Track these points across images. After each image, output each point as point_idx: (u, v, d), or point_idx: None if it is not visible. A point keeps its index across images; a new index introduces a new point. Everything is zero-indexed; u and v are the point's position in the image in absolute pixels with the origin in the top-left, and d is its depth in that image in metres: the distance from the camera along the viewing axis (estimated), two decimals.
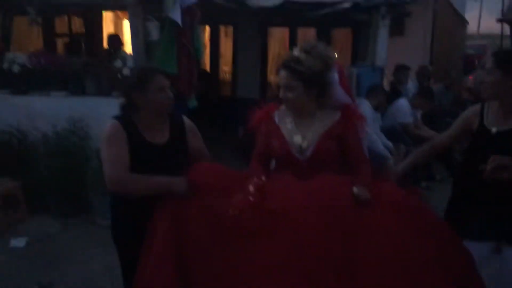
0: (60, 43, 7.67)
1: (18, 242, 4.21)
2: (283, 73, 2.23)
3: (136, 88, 2.26)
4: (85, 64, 5.10)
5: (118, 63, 4.77)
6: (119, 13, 8.51)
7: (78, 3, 5.58)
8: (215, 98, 8.39)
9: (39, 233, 4.31)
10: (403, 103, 5.60)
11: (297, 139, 2.25)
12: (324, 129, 2.25)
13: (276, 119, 2.33)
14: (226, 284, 1.94)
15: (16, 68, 5.09)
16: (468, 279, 2.04)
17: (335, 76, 2.28)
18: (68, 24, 7.97)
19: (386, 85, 6.39)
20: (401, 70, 6.58)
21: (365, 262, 1.90)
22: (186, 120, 2.47)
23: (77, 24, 8.25)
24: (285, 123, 2.30)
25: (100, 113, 4.62)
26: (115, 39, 6.64)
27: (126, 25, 8.78)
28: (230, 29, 8.61)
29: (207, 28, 8.85)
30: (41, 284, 3.45)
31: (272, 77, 8.07)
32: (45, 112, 4.78)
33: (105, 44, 7.21)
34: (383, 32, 5.95)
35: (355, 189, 2.06)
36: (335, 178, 2.14)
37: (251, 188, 2.01)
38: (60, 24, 7.83)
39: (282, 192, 2.05)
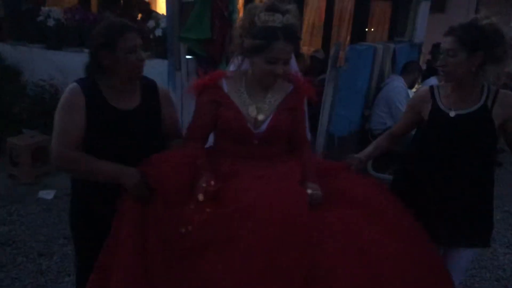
0: (94, 1, 7.65)
1: (46, 195, 4.31)
2: (285, 46, 1.90)
3: (103, 46, 1.94)
4: None
5: (150, 24, 4.72)
6: None
7: None
8: None
9: (67, 187, 4.39)
10: (433, 82, 5.43)
11: (252, 110, 2.01)
12: (279, 100, 2.06)
13: (225, 88, 2.05)
14: None
15: (51, 23, 5.11)
16: (436, 276, 1.88)
17: None
18: None
19: (422, 63, 6.19)
20: (438, 49, 6.35)
21: (329, 260, 1.69)
22: (160, 85, 2.20)
23: None
24: (236, 92, 2.04)
25: None
26: (143, 3, 6.61)
27: None
28: None
29: None
30: (66, 237, 3.53)
31: (305, 48, 7.89)
32: (77, 67, 4.74)
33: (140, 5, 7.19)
34: (423, 8, 5.74)
35: (309, 190, 1.88)
36: (287, 172, 1.93)
37: (200, 197, 1.78)
38: None
39: (235, 196, 1.79)
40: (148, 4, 6.75)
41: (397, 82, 5.15)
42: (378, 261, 1.72)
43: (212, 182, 1.82)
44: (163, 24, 4.62)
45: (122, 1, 7.24)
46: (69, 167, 2.00)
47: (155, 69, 4.44)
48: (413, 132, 2.45)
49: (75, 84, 2.00)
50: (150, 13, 6.15)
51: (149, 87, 2.14)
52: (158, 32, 4.61)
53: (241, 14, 8.20)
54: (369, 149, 2.50)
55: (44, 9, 5.28)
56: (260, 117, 2.01)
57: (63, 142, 1.94)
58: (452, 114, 2.16)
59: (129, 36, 1.95)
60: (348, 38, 7.51)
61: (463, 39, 2.07)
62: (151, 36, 4.66)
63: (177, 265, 1.71)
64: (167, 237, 1.74)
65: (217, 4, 4.41)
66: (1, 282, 3.06)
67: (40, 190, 4.39)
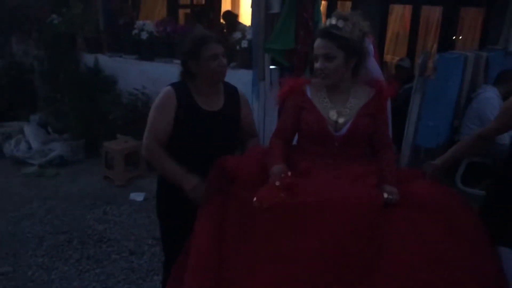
0: (181, 14, 8.04)
1: (137, 196, 4.58)
2: (322, 42, 2.07)
3: (190, 55, 2.26)
4: None
5: (237, 35, 4.87)
6: None
7: None
8: None
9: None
10: None
11: (333, 114, 2.12)
12: (360, 105, 2.13)
13: (308, 93, 2.18)
14: (254, 278, 1.80)
15: (144, 35, 5.45)
16: (495, 286, 1.84)
17: (371, 47, 2.14)
18: None
19: None
20: None
21: (390, 259, 1.76)
22: (240, 91, 2.48)
23: None
24: (318, 97, 2.16)
25: None
26: (229, 15, 6.81)
27: None
28: (348, 4, 8.35)
29: (324, 3, 8.68)
30: (155, 237, 3.72)
31: (389, 57, 7.71)
32: (167, 78, 4.98)
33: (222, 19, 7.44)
34: None
35: (385, 194, 1.92)
36: (365, 174, 2.00)
37: (277, 183, 1.89)
38: None
39: (309, 190, 1.90)
40: (236, 16, 6.95)
41: (490, 93, 4.87)
42: (439, 268, 1.74)
43: (289, 173, 1.96)
44: (249, 35, 4.74)
45: (211, 13, 7.55)
46: (152, 160, 2.32)
47: (240, 79, 4.57)
48: (500, 142, 2.32)
49: (169, 87, 2.31)
50: (236, 24, 6.36)
51: (231, 91, 2.43)
52: (244, 44, 4.74)
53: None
54: (448, 154, 2.35)
55: (139, 22, 5.63)
56: (341, 120, 2.11)
57: (151, 136, 2.28)
58: None
59: (211, 46, 2.23)
60: (435, 46, 7.24)
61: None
62: (237, 48, 4.80)
63: (252, 240, 1.85)
64: (244, 218, 1.91)
65: (303, 14, 4.45)
66: (98, 277, 3.30)
67: (131, 192, 4.67)
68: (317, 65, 2.09)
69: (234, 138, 2.40)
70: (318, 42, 2.08)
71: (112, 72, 5.76)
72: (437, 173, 2.25)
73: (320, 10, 4.93)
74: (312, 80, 2.22)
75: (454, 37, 6.89)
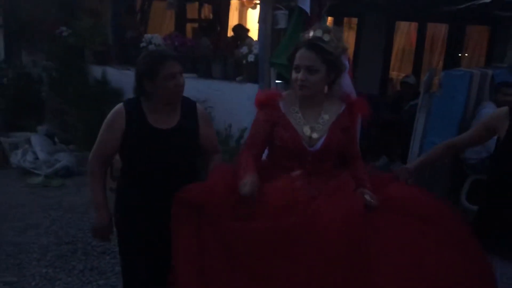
0: (189, 28, 8.13)
1: None
2: (307, 53, 2.04)
3: (146, 73, 2.15)
4: (214, 49, 5.34)
5: (244, 50, 4.92)
6: (245, 1, 8.76)
7: None
8: None
9: None
10: None
11: (307, 130, 2.12)
12: (332, 120, 2.15)
13: (282, 107, 2.16)
14: None
15: (151, 48, 5.51)
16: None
17: (347, 63, 2.14)
18: (198, 10, 8.41)
19: None
20: None
21: (380, 270, 1.79)
22: (199, 107, 2.36)
23: (206, 11, 8.68)
24: (291, 112, 2.15)
25: (224, 96, 4.83)
26: (241, 29, 6.87)
27: (250, 13, 9.04)
28: (354, 21, 8.42)
29: (330, 19, 8.75)
30: None
31: (394, 74, 7.74)
32: None
33: (230, 31, 7.51)
34: None
35: (367, 196, 1.99)
36: (345, 183, 2.03)
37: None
38: (191, 10, 8.28)
39: (292, 211, 1.89)
40: (247, 30, 6.99)
41: (487, 109, 4.87)
42: (431, 274, 1.79)
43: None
44: (255, 50, 4.79)
45: (218, 27, 7.62)
46: (88, 175, 2.31)
47: (246, 93, 4.62)
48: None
49: (120, 104, 2.25)
50: (245, 38, 6.42)
51: (189, 107, 2.32)
52: (251, 58, 4.79)
53: None
54: (419, 159, 2.46)
55: (147, 36, 5.71)
56: (315, 135, 2.12)
57: (94, 155, 2.27)
58: None
59: (168, 64, 2.13)
60: (441, 63, 7.26)
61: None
62: (244, 62, 4.85)
63: (240, 267, 1.85)
64: (226, 246, 1.90)
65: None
66: None
67: None
68: (297, 75, 2.06)
69: (190, 157, 2.28)
70: (302, 52, 2.05)
71: (119, 85, 5.82)
72: (408, 177, 2.28)
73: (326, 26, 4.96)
74: (284, 93, 2.22)
75: (460, 55, 6.92)
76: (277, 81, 4.61)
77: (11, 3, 6.57)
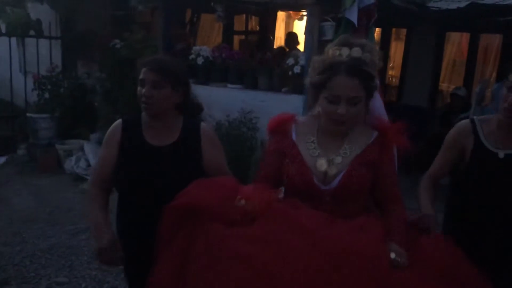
0: (236, 40, 8.28)
1: None
2: (349, 81, 1.63)
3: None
4: (260, 61, 5.40)
5: (290, 61, 4.95)
6: (291, 13, 8.83)
7: (259, 2, 5.93)
8: None
9: None
10: None
11: (321, 164, 1.71)
12: (356, 152, 1.72)
13: (293, 135, 1.77)
14: None
15: (200, 60, 5.64)
16: None
17: (377, 82, 1.74)
18: (245, 22, 8.55)
19: None
20: None
21: None
22: (205, 127, 2.06)
23: (253, 23, 8.81)
24: (305, 141, 1.76)
25: (270, 108, 4.87)
26: (294, 37, 6.91)
27: (296, 25, 9.10)
28: (403, 31, 8.29)
29: (377, 30, 8.66)
30: None
31: (444, 85, 7.55)
32: (221, 102, 5.21)
33: (277, 43, 7.59)
34: None
35: (392, 254, 1.54)
36: (366, 224, 1.59)
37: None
38: (238, 22, 8.43)
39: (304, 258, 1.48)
40: (297, 39, 7.03)
41: None
42: None
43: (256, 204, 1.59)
44: (301, 61, 4.81)
45: (265, 40, 7.70)
46: (86, 199, 2.14)
47: (291, 104, 4.64)
48: None
49: (119, 119, 2.10)
50: (296, 47, 6.46)
51: (192, 126, 2.04)
52: (297, 69, 4.81)
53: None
54: (428, 203, 2.03)
55: (195, 48, 5.85)
56: (332, 171, 1.70)
57: (93, 177, 2.14)
58: (501, 154, 1.92)
59: (142, 71, 1.97)
60: (494, 74, 7.01)
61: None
62: (290, 73, 4.87)
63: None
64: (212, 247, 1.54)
65: None
66: None
67: None
68: (337, 108, 1.64)
69: (187, 179, 1.76)
70: (341, 80, 1.64)
71: None
72: (436, 226, 1.88)
73: (374, 37, 4.94)
74: (300, 118, 1.83)
75: None
76: None
77: (68, 16, 6.92)
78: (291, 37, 7.01)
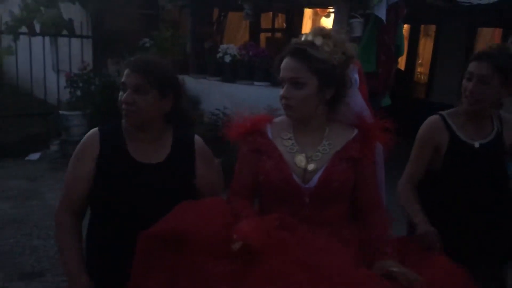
0: (263, 37, 8.30)
1: None
2: (290, 61, 1.56)
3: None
4: None
5: None
6: (318, 10, 8.79)
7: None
8: (407, 99, 8.11)
9: None
10: None
11: (300, 159, 1.60)
12: (336, 149, 1.62)
13: (269, 134, 1.66)
14: None
15: (227, 58, 5.70)
16: None
17: (356, 76, 1.65)
18: (272, 20, 8.56)
19: None
20: None
21: None
22: (199, 141, 1.79)
23: (280, 20, 8.81)
24: (282, 138, 1.64)
25: None
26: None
27: (323, 22, 9.05)
28: (432, 28, 8.17)
29: (406, 26, 8.56)
30: None
31: None
32: (248, 99, 5.24)
33: None
34: None
35: (395, 269, 1.43)
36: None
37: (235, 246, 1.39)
38: (265, 20, 8.45)
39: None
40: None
41: None
42: None
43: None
44: None
45: (291, 37, 7.70)
46: (55, 231, 1.74)
47: None
48: None
49: (96, 129, 1.76)
50: None
51: (184, 140, 1.77)
52: None
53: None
54: (420, 213, 1.95)
55: (223, 46, 5.92)
56: (311, 167, 1.59)
57: (63, 198, 1.74)
58: (476, 145, 2.00)
59: (124, 73, 1.68)
60: None
61: (498, 66, 1.91)
62: None
63: None
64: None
65: (384, 39, 4.45)
66: None
67: None
68: (281, 92, 1.59)
69: (174, 201, 1.55)
70: (285, 61, 1.58)
71: (196, 93, 6.06)
72: (438, 241, 1.79)
73: (402, 33, 4.90)
74: (275, 119, 1.71)
75: None
76: None
77: (98, 16, 7.08)
78: None
